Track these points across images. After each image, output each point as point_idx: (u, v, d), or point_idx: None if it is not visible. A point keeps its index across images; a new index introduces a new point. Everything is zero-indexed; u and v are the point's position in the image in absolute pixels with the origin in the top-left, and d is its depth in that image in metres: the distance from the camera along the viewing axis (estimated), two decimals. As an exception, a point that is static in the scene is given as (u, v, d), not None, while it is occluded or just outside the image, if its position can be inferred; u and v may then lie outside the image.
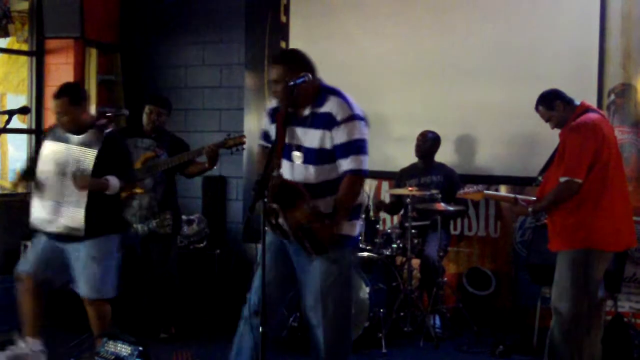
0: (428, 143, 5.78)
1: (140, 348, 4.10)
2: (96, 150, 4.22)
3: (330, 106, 3.42)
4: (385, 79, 6.15)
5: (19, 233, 5.84)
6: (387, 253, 5.49)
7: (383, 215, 6.10)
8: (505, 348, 5.00)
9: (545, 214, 4.32)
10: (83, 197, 4.19)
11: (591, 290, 4.05)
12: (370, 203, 5.98)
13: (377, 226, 5.66)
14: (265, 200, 3.15)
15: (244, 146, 5.18)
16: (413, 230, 5.41)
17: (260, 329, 3.19)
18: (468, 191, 4.78)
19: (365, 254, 5.41)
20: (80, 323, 4.65)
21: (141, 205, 5.19)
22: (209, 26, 6.82)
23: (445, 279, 5.60)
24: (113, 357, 4.10)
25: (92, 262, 4.23)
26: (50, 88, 6.60)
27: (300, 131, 3.48)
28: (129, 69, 6.99)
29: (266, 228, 3.42)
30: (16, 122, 5.96)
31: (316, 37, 6.41)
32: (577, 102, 4.22)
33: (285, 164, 3.51)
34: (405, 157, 5.93)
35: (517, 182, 5.65)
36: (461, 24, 5.91)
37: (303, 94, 3.42)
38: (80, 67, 6.60)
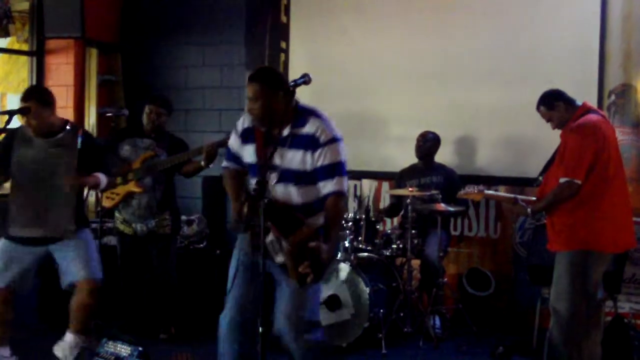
0: (428, 144, 5.78)
1: (140, 348, 4.10)
2: (75, 151, 4.24)
3: (311, 127, 3.36)
4: (385, 79, 6.16)
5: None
6: (387, 253, 5.50)
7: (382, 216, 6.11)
8: (505, 349, 5.00)
9: (545, 214, 4.31)
10: (71, 196, 4.22)
11: (590, 291, 4.05)
12: (370, 204, 5.98)
13: (377, 227, 5.66)
14: (262, 204, 3.13)
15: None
16: (413, 231, 5.41)
17: (260, 329, 3.19)
18: (468, 191, 4.78)
19: (365, 254, 5.42)
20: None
21: (140, 205, 5.19)
22: (210, 26, 6.82)
23: (445, 279, 5.60)
24: (113, 357, 4.10)
25: (80, 248, 4.28)
26: (51, 88, 6.54)
27: (277, 151, 3.39)
28: (130, 69, 7.00)
29: (246, 249, 3.42)
30: (16, 122, 5.95)
31: (316, 37, 6.42)
32: (579, 103, 4.22)
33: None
34: (405, 157, 5.93)
35: (517, 183, 5.65)
36: (461, 25, 5.91)
37: (279, 114, 3.35)
38: (80, 67, 6.61)
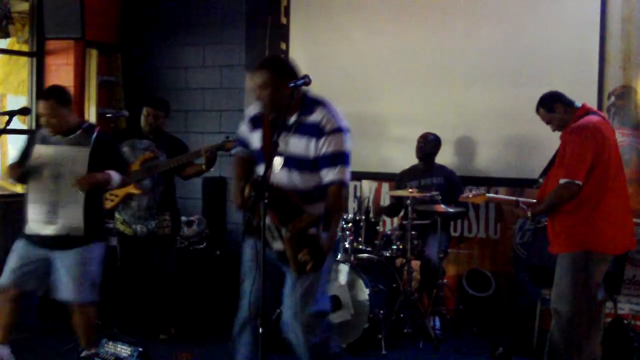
0: (429, 145, 5.79)
1: (140, 349, 4.10)
2: (88, 149, 4.25)
3: (318, 116, 3.41)
4: (385, 80, 6.16)
5: (20, 234, 5.84)
6: (387, 254, 5.49)
7: (383, 216, 6.11)
8: (505, 350, 5.00)
9: (545, 216, 4.31)
10: (81, 195, 4.21)
11: (591, 292, 4.05)
12: (370, 205, 5.98)
13: (377, 228, 5.67)
14: (266, 201, 3.15)
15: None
16: (413, 232, 5.41)
17: (260, 330, 3.19)
18: (470, 195, 4.78)
19: (365, 255, 5.42)
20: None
21: (140, 206, 5.19)
22: (210, 27, 6.82)
23: (445, 280, 5.60)
24: (113, 357, 4.10)
25: (77, 267, 4.23)
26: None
27: (283, 137, 3.42)
28: (130, 70, 7.00)
29: (249, 235, 3.44)
30: (16, 123, 5.97)
31: (316, 38, 6.42)
32: (578, 104, 4.22)
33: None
34: (405, 158, 5.93)
35: (517, 184, 5.65)
36: (461, 26, 5.91)
37: (286, 101, 3.38)
38: (80, 68, 6.61)
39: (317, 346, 3.50)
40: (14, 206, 6.15)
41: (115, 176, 4.29)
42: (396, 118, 6.16)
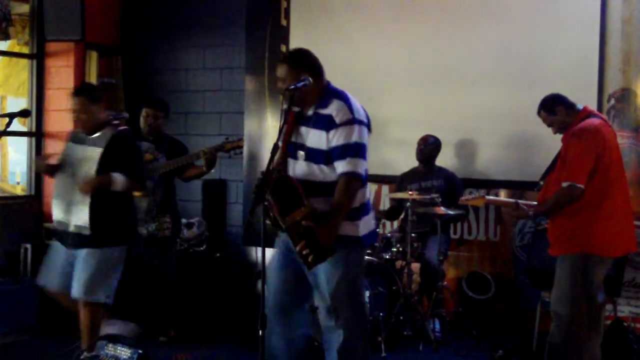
0: (429, 147, 5.79)
1: (140, 351, 4.09)
2: (101, 150, 4.25)
3: (332, 109, 3.45)
4: (385, 82, 6.15)
5: (20, 236, 5.84)
6: (387, 257, 5.49)
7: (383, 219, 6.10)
8: (505, 352, 5.00)
9: (546, 218, 4.32)
10: (87, 198, 4.22)
11: (591, 295, 4.04)
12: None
13: (377, 230, 5.66)
14: (266, 203, 3.16)
15: (243, 149, 5.18)
16: (413, 234, 5.41)
17: (260, 332, 3.19)
18: (470, 197, 4.78)
19: (365, 257, 5.41)
20: (76, 327, 4.64)
21: (140, 209, 5.17)
22: (210, 29, 6.83)
23: (445, 283, 5.60)
24: (112, 360, 4.10)
25: (91, 264, 4.23)
26: (51, 91, 6.62)
27: (304, 130, 3.52)
28: (130, 72, 7.00)
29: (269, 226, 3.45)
30: (16, 124, 5.97)
31: (317, 40, 6.40)
32: (580, 107, 4.22)
33: (290, 162, 3.55)
34: (405, 161, 5.93)
35: (518, 187, 5.64)
36: (462, 29, 5.91)
37: (305, 95, 3.47)
38: (80, 70, 6.61)
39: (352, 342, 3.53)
40: (15, 207, 6.17)
41: (119, 178, 4.24)
42: (396, 120, 6.15)
